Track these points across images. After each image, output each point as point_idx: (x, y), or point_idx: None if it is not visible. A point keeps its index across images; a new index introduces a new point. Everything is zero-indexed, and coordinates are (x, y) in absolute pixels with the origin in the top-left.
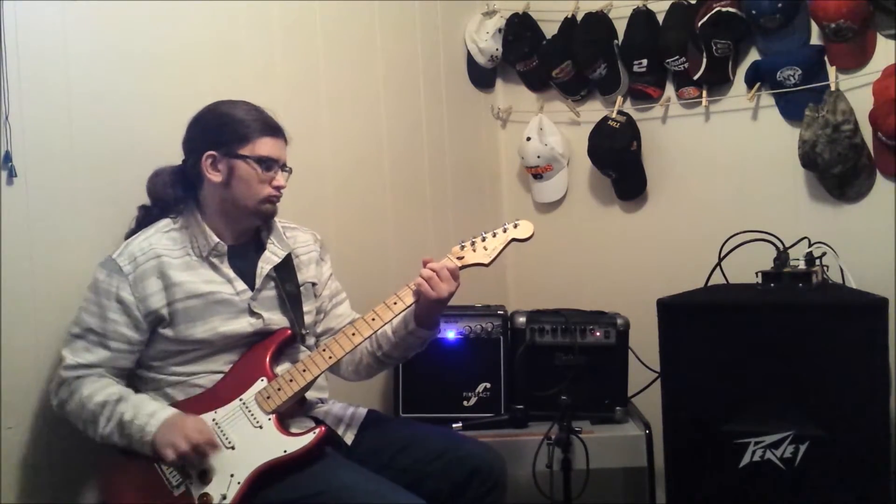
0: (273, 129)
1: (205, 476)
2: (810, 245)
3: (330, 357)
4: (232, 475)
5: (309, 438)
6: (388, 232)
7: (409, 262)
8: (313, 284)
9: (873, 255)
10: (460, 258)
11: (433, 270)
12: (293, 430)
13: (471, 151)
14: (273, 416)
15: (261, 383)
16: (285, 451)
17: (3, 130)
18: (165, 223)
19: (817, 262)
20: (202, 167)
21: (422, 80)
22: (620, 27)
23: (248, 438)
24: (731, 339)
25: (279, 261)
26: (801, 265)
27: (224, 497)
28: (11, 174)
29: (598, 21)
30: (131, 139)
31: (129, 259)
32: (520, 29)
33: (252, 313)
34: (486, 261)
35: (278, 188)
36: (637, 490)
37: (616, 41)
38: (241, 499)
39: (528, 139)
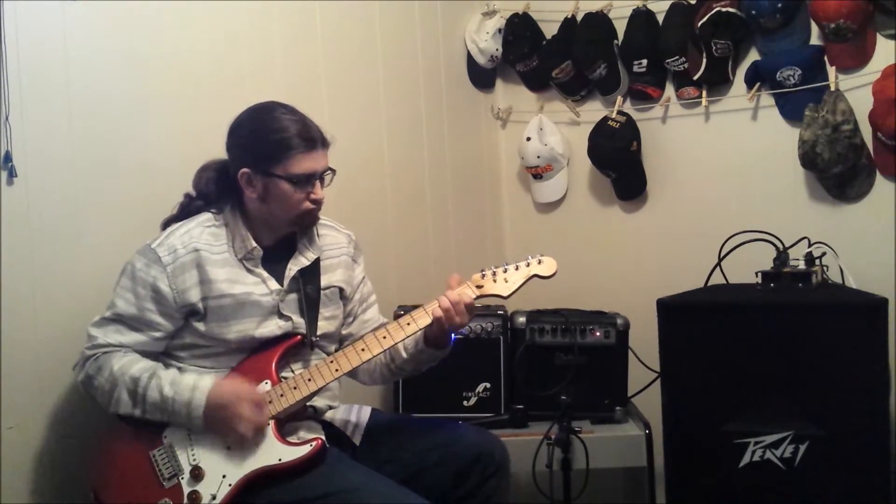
0: (309, 143)
1: (197, 473)
2: (810, 245)
3: (336, 370)
4: (224, 476)
5: (305, 450)
6: (388, 231)
7: (408, 262)
8: (340, 290)
9: (873, 255)
10: (479, 286)
11: (453, 302)
12: (292, 439)
13: (471, 151)
14: (272, 422)
15: (264, 386)
16: (280, 460)
17: (4, 130)
18: (207, 218)
19: (817, 262)
20: (238, 182)
21: (422, 80)
22: (620, 27)
23: (245, 441)
24: (731, 339)
25: (308, 264)
26: (801, 265)
27: (214, 497)
28: (11, 174)
29: (598, 21)
30: (131, 139)
31: (168, 250)
32: (520, 29)
33: (281, 315)
34: (505, 293)
35: (316, 201)
36: (637, 490)
37: (616, 41)
38: (231, 501)
39: (528, 139)
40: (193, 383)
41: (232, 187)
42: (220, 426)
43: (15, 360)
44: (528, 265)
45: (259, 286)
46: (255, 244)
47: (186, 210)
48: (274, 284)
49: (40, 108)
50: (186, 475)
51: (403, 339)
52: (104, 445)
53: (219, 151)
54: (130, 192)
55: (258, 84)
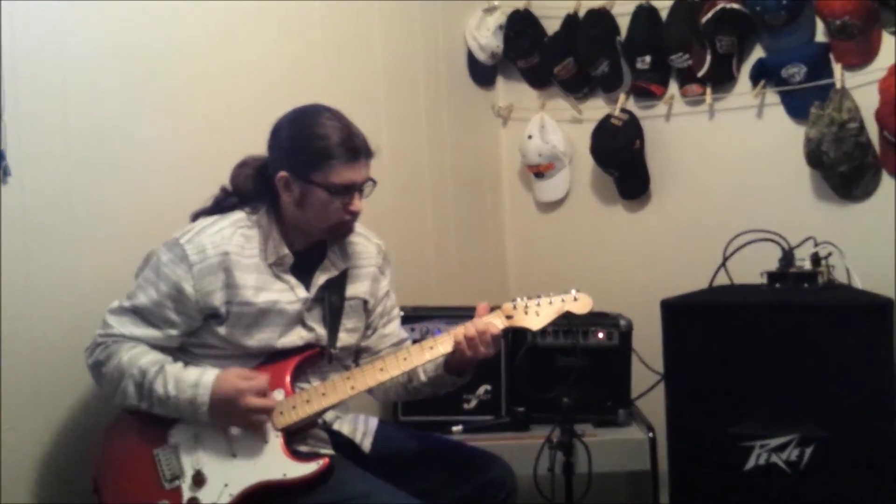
0: (352, 153)
1: (199, 478)
2: (816, 245)
3: (352, 388)
4: (226, 485)
5: (311, 468)
6: (387, 231)
7: (408, 261)
8: (364, 302)
9: (879, 254)
10: (509, 317)
11: (478, 332)
12: (300, 449)
13: (471, 150)
14: (281, 434)
15: (278, 395)
16: (284, 475)
17: None
18: (240, 218)
19: (823, 262)
20: (276, 184)
21: (422, 78)
22: (623, 24)
23: (251, 451)
24: (736, 341)
25: (337, 273)
26: (807, 265)
27: None
28: (6, 173)
29: (601, 17)
30: (127, 138)
31: (197, 249)
32: (521, 25)
33: (304, 325)
34: (535, 327)
35: (353, 213)
36: (640, 494)
37: (619, 38)
38: None
39: (530, 137)
40: (195, 380)
41: (269, 188)
42: (228, 419)
43: (11, 359)
44: (562, 301)
45: (286, 293)
46: (287, 251)
47: (220, 205)
48: (302, 292)
49: (35, 106)
50: (188, 479)
51: (424, 363)
52: (109, 438)
53: (217, 149)
54: (126, 191)
55: (256, 82)
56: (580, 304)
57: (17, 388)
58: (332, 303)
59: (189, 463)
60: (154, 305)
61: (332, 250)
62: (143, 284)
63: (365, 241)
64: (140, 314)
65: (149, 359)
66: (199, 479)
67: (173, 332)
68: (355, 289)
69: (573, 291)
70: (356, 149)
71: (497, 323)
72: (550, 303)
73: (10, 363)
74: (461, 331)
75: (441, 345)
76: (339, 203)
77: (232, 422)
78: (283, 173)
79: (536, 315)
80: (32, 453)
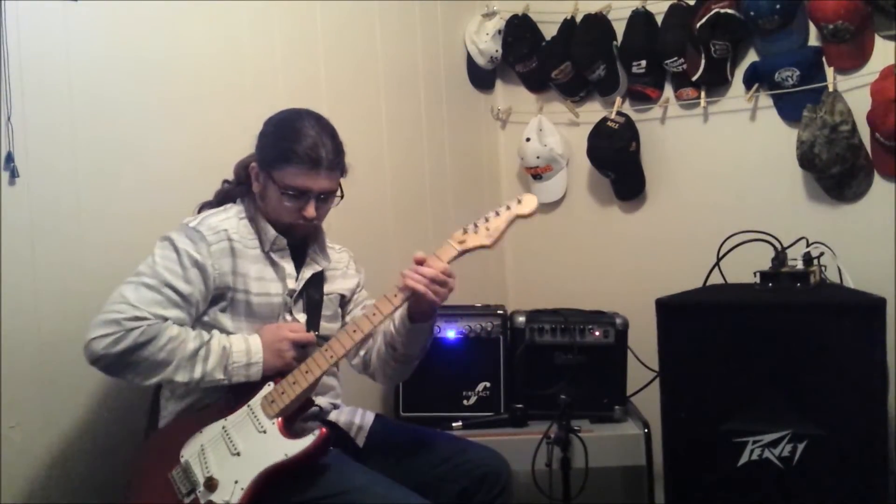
0: (311, 162)
1: (211, 483)
2: (808, 245)
3: (331, 356)
4: (236, 482)
5: (309, 441)
6: (388, 232)
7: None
8: (342, 297)
9: (871, 255)
10: (461, 242)
11: (428, 278)
12: (296, 432)
13: (471, 152)
14: (277, 420)
15: (267, 388)
16: (286, 455)
17: (6, 131)
18: (240, 210)
19: (815, 261)
20: (250, 173)
21: (422, 81)
22: (619, 28)
23: (253, 444)
24: (730, 339)
25: (319, 269)
26: (799, 265)
27: (228, 503)
28: (13, 175)
29: (598, 22)
30: (132, 140)
31: (212, 231)
32: (519, 30)
33: (289, 315)
34: (489, 242)
35: (306, 219)
36: (636, 489)
37: (615, 42)
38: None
39: (528, 140)
40: (245, 336)
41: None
42: (276, 356)
43: (16, 359)
44: (508, 208)
45: (276, 284)
46: (276, 233)
47: (222, 193)
48: (291, 283)
49: (42, 109)
50: (202, 488)
51: (393, 311)
52: (132, 474)
53: (223, 154)
54: (132, 193)
55: (259, 86)
56: (525, 204)
57: (22, 386)
58: (310, 296)
59: (200, 473)
60: (184, 282)
61: (312, 248)
62: (164, 263)
63: (335, 254)
64: (166, 292)
65: (196, 332)
66: (210, 485)
67: (194, 312)
68: (333, 286)
69: (517, 196)
70: (317, 159)
71: (451, 251)
72: (497, 214)
73: (15, 361)
74: (413, 278)
75: (402, 291)
76: (292, 205)
77: (282, 359)
78: (254, 164)
79: (487, 231)
80: (35, 452)
